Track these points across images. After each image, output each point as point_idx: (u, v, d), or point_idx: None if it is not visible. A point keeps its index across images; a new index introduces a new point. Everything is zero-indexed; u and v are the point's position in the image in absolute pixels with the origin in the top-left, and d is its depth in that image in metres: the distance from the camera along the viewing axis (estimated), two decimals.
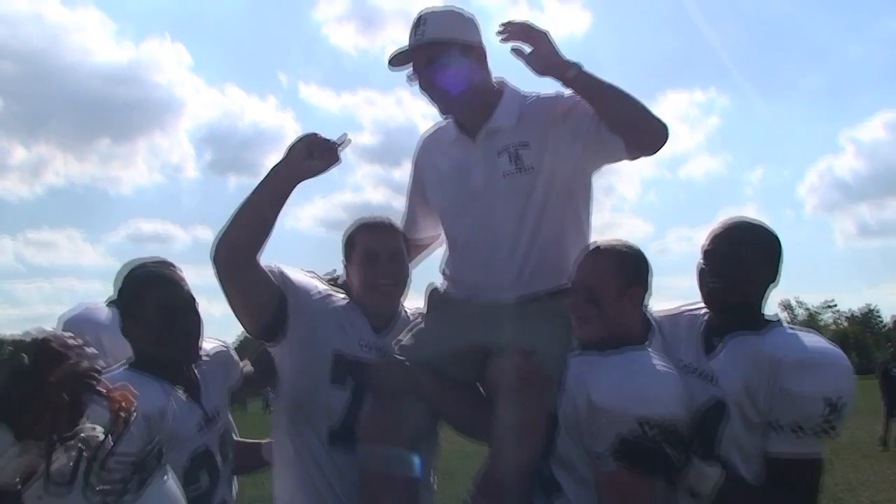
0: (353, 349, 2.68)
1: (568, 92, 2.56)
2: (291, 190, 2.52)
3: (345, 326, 2.70)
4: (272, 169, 2.52)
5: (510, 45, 2.50)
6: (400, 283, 2.80)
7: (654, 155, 2.55)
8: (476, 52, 2.65)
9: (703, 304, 2.46)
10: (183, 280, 2.39)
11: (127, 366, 2.30)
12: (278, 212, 2.53)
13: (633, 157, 2.56)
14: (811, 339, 2.29)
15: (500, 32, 2.51)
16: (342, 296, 2.80)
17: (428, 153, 2.90)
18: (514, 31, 2.50)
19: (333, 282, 2.91)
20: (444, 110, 2.72)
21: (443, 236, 2.92)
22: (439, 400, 2.60)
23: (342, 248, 2.87)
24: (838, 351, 2.26)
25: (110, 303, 2.60)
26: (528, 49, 2.49)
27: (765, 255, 2.38)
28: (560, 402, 2.33)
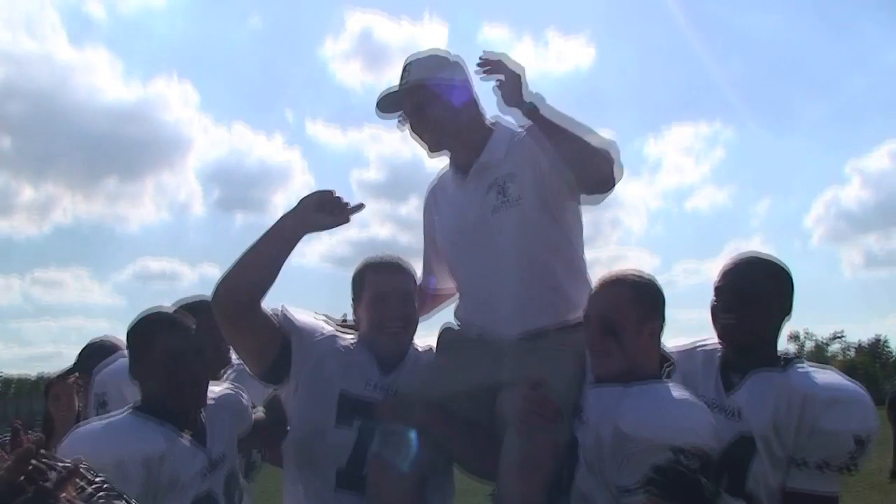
0: (360, 389, 2.64)
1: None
2: (298, 240, 2.51)
3: (351, 366, 2.67)
4: (281, 218, 2.51)
5: (490, 77, 2.56)
6: (409, 324, 2.79)
7: (609, 193, 2.55)
8: (464, 94, 2.71)
9: (715, 340, 2.47)
10: (192, 326, 2.39)
11: (131, 410, 2.31)
12: (283, 260, 2.50)
13: (588, 193, 2.58)
14: (835, 378, 2.30)
15: (479, 65, 2.58)
16: (349, 336, 2.78)
17: (434, 200, 2.93)
18: (491, 65, 2.55)
19: (343, 324, 2.89)
20: (433, 147, 2.75)
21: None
22: (447, 439, 2.57)
23: (351, 288, 2.85)
24: (861, 388, 2.28)
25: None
26: (499, 82, 2.55)
27: (776, 290, 2.38)
28: (579, 435, 2.32)
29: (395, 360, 2.75)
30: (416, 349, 2.86)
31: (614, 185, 2.52)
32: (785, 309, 2.40)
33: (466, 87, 2.72)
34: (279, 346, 2.61)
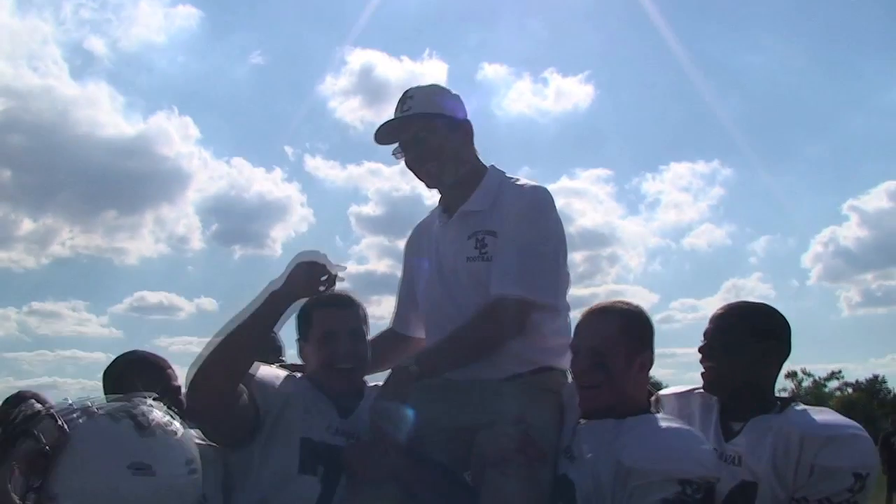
0: (321, 435, 2.49)
1: (531, 198, 2.59)
2: (286, 310, 2.44)
3: (310, 411, 2.51)
4: (271, 295, 2.39)
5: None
6: (361, 363, 2.62)
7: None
8: (463, 128, 2.70)
9: None
10: (169, 369, 2.42)
11: None
12: (269, 334, 2.50)
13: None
14: (833, 417, 2.31)
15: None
16: (304, 380, 2.62)
17: (418, 242, 2.91)
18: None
19: (292, 366, 2.75)
20: (430, 181, 2.73)
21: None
22: (419, 487, 2.42)
23: (296, 326, 2.67)
24: (859, 426, 2.28)
25: None
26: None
27: (757, 337, 2.36)
28: (573, 475, 2.26)
29: (352, 403, 2.61)
30: (373, 389, 2.69)
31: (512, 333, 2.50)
32: (773, 354, 2.39)
33: (466, 124, 2.71)
34: (252, 416, 2.43)
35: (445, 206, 2.77)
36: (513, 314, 2.46)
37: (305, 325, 2.64)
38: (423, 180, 2.74)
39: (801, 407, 2.34)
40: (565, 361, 2.50)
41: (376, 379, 2.70)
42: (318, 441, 2.47)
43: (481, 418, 2.42)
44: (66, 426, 1.85)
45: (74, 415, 1.89)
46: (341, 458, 2.45)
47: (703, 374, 2.42)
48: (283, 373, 2.61)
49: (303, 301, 2.55)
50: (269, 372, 2.56)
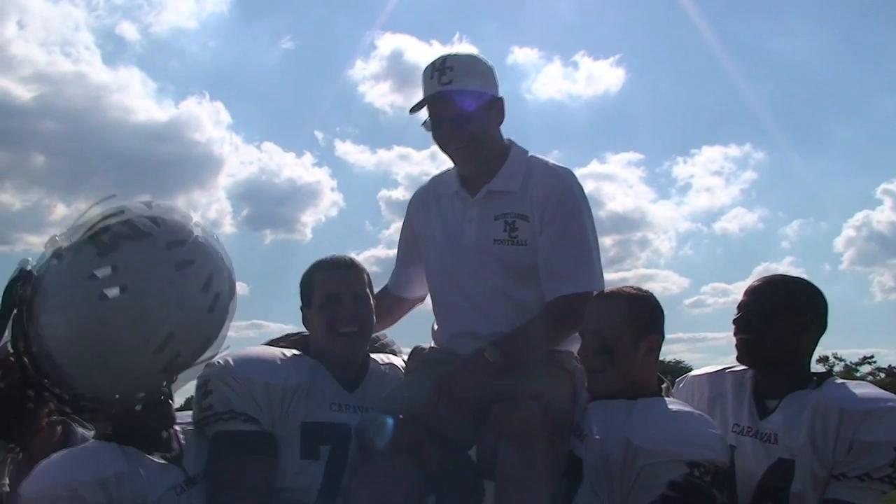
0: (324, 414, 2.45)
1: (566, 186, 2.56)
2: None
3: (311, 392, 2.46)
4: None
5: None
6: (365, 327, 2.59)
7: None
8: (497, 106, 2.63)
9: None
10: None
11: (94, 439, 2.34)
12: None
13: None
14: (871, 390, 2.30)
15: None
16: (306, 360, 2.56)
17: (425, 207, 2.81)
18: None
19: (293, 341, 2.71)
20: (461, 162, 2.66)
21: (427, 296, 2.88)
22: (430, 462, 2.39)
23: (300, 293, 2.66)
24: None
25: None
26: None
27: (794, 307, 2.35)
28: (581, 452, 2.27)
29: (356, 375, 2.60)
30: (378, 362, 2.71)
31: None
32: (809, 327, 2.37)
33: (500, 101, 2.64)
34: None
35: (465, 181, 2.69)
36: (579, 309, 2.43)
37: (307, 291, 2.62)
38: (450, 156, 2.68)
39: (838, 381, 2.32)
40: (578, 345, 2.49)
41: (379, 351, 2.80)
42: (321, 422, 2.44)
43: (497, 392, 2.36)
44: (34, 272, 1.93)
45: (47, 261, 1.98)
46: (348, 435, 2.44)
47: (737, 345, 2.41)
48: (281, 353, 2.55)
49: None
50: (266, 358, 2.50)
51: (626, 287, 2.44)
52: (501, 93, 2.65)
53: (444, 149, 2.65)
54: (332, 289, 2.55)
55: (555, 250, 2.51)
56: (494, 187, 2.59)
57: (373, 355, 2.73)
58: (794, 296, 2.38)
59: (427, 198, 2.83)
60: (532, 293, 2.56)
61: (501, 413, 2.31)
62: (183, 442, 2.41)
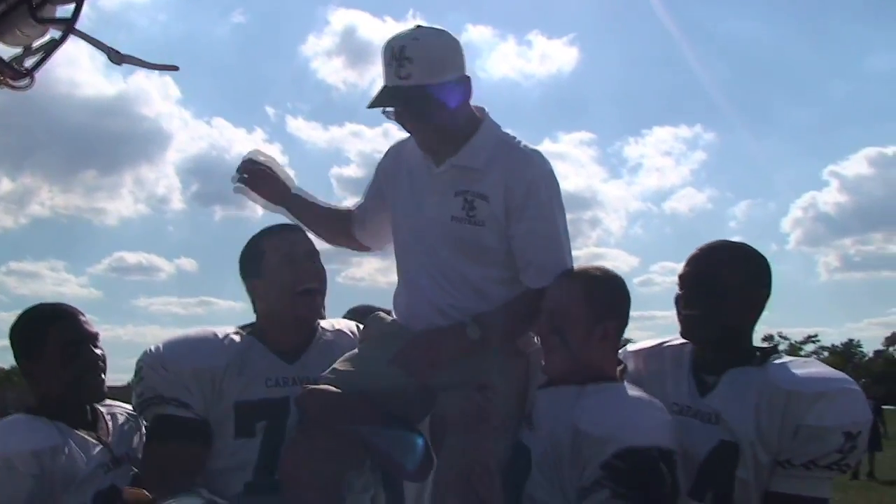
0: (259, 391, 2.40)
1: (537, 172, 2.41)
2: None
3: (243, 370, 2.41)
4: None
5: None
6: (323, 284, 2.55)
7: None
8: (463, 87, 2.42)
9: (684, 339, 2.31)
10: (83, 315, 2.38)
11: (23, 411, 2.30)
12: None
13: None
14: (819, 369, 2.15)
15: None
16: (236, 335, 2.51)
17: (396, 164, 2.64)
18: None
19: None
20: (425, 149, 2.49)
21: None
22: (375, 438, 2.32)
23: (242, 266, 2.58)
24: (849, 379, 2.13)
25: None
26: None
27: (746, 278, 2.20)
28: (530, 442, 2.19)
29: (299, 345, 2.53)
30: (324, 331, 2.63)
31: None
32: (757, 298, 2.22)
33: (466, 81, 2.42)
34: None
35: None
36: None
37: (256, 259, 2.53)
38: (417, 142, 2.52)
39: (785, 359, 2.18)
40: None
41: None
42: (255, 399, 2.39)
43: (447, 378, 2.32)
44: None
45: None
46: (287, 408, 2.38)
47: (682, 321, 2.25)
48: (212, 331, 2.51)
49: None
50: (197, 345, 2.46)
51: (592, 267, 2.34)
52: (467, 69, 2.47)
53: (410, 133, 2.53)
54: (287, 249, 2.50)
55: (530, 241, 2.39)
56: (458, 162, 2.43)
57: (325, 322, 2.67)
58: (749, 267, 2.23)
59: (399, 158, 2.65)
60: (488, 275, 2.44)
61: (445, 403, 2.29)
62: (110, 423, 2.41)
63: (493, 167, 2.40)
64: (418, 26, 2.39)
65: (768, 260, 2.27)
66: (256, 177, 2.74)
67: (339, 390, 2.33)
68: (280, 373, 2.44)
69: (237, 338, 2.50)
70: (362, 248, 2.87)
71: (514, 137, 2.50)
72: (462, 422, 2.21)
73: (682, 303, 2.25)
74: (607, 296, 2.26)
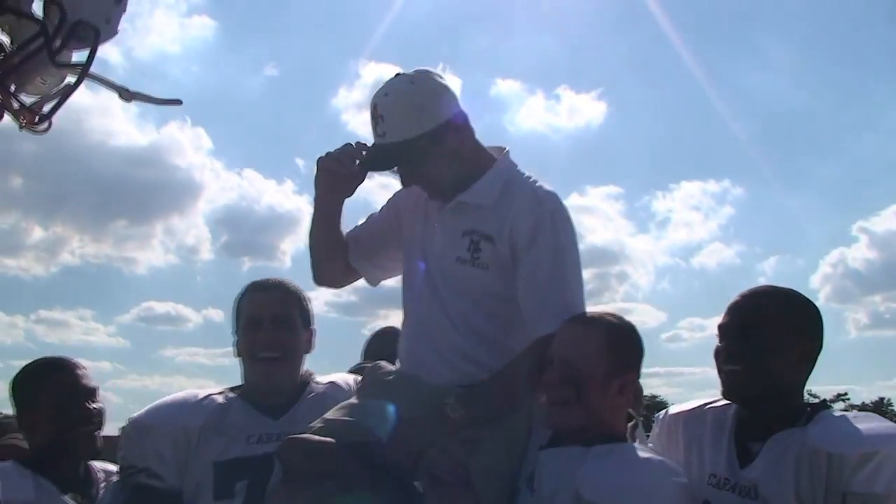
0: (239, 449, 2.32)
1: (545, 210, 2.27)
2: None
3: (221, 429, 2.34)
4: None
5: None
6: (287, 354, 2.43)
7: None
8: (452, 128, 2.29)
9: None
10: (83, 368, 2.36)
11: (13, 462, 2.27)
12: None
13: None
14: (871, 425, 1.84)
15: None
16: (219, 395, 2.45)
17: (415, 197, 2.49)
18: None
19: None
20: (433, 197, 2.41)
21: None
22: (360, 488, 2.15)
23: (232, 318, 2.53)
24: None
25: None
26: None
27: (795, 328, 1.94)
28: (528, 503, 2.01)
29: (287, 401, 2.43)
30: (316, 384, 2.54)
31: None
32: (807, 350, 1.95)
33: (455, 122, 2.30)
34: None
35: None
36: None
37: (237, 314, 2.49)
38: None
39: (835, 414, 1.91)
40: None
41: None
42: (235, 458, 2.31)
43: (437, 429, 2.17)
44: None
45: None
46: (270, 465, 2.27)
47: (724, 378, 2.00)
48: (193, 393, 2.45)
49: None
50: (174, 408, 2.41)
51: (608, 314, 2.13)
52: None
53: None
54: (253, 311, 2.44)
55: (530, 285, 2.24)
56: (466, 199, 2.32)
57: (320, 376, 2.59)
58: (800, 317, 1.97)
59: (417, 195, 2.49)
60: (491, 323, 2.32)
61: (428, 461, 2.11)
62: (103, 485, 2.38)
63: (501, 206, 2.29)
64: (397, 75, 2.31)
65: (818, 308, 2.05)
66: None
67: (324, 439, 2.18)
68: (264, 429, 2.35)
69: (219, 397, 2.42)
70: (350, 274, 2.62)
71: (530, 177, 2.37)
72: (433, 476, 2.06)
73: (722, 357, 1.99)
74: (628, 346, 2.08)
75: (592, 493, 1.84)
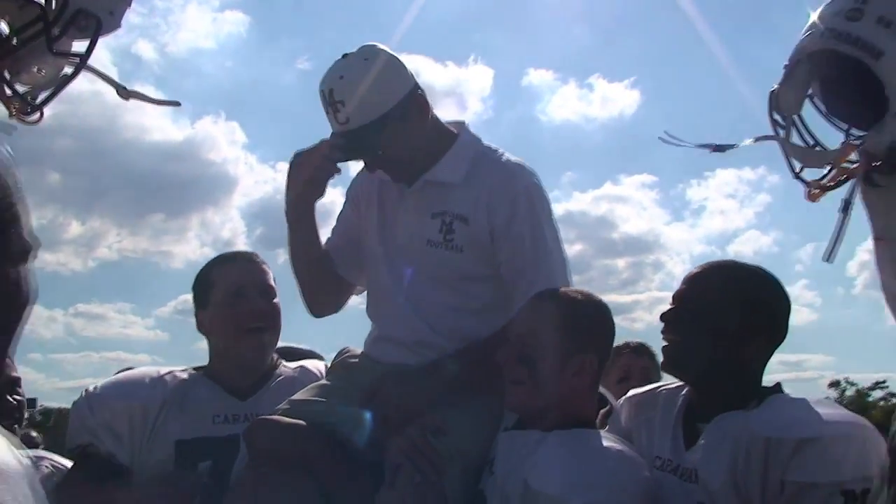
0: (203, 429, 2.24)
1: (521, 186, 2.22)
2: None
3: (185, 407, 2.26)
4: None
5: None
6: (274, 324, 2.36)
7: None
8: (413, 105, 2.22)
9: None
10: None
11: None
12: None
13: None
14: (820, 410, 1.71)
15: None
16: (182, 372, 2.37)
17: (368, 184, 2.43)
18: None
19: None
20: (393, 179, 2.33)
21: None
22: (328, 473, 2.10)
23: (194, 295, 2.41)
24: (858, 420, 1.72)
25: None
26: None
27: (740, 301, 1.82)
28: (487, 491, 1.92)
29: (255, 381, 2.35)
30: (285, 368, 2.45)
31: None
32: (760, 332, 1.83)
33: (413, 99, 2.22)
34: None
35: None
36: None
37: (205, 289, 2.37)
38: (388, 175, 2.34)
39: (784, 398, 1.80)
40: None
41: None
42: (199, 438, 2.23)
43: (414, 413, 2.13)
44: None
45: None
46: (236, 447, 2.19)
47: (664, 348, 1.91)
48: (155, 370, 2.37)
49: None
50: (133, 383, 2.33)
51: (575, 291, 2.02)
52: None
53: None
54: (236, 281, 2.34)
55: (518, 262, 2.18)
56: (432, 178, 2.24)
57: (286, 362, 2.49)
58: (748, 290, 1.86)
59: (367, 181, 2.43)
60: (466, 305, 2.26)
61: (392, 444, 2.05)
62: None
63: (472, 183, 2.21)
64: (344, 56, 2.20)
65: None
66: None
67: (294, 421, 2.12)
68: (230, 410, 2.28)
69: (183, 374, 2.36)
70: (344, 291, 2.56)
71: (497, 150, 2.32)
72: (395, 461, 2.00)
73: (665, 326, 1.90)
74: (588, 323, 1.94)
75: (539, 482, 1.74)
